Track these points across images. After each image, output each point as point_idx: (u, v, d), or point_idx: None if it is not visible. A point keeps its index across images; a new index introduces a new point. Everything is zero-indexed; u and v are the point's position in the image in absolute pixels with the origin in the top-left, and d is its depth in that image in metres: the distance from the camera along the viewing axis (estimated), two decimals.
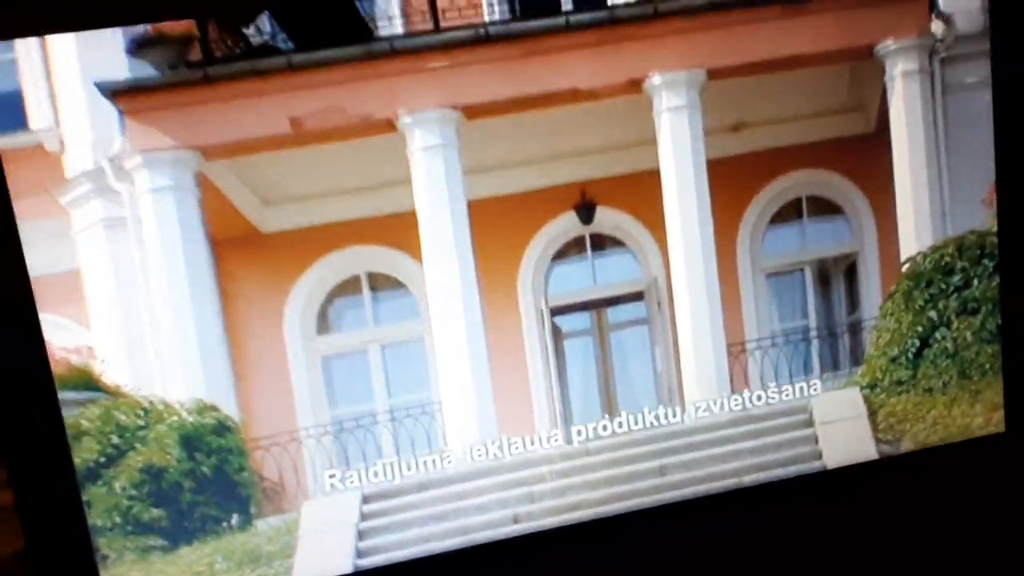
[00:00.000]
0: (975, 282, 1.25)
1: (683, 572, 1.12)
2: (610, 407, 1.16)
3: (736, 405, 1.20)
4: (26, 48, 1.01)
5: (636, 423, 1.17)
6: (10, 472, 0.82)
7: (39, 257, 1.04)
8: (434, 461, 1.12)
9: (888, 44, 1.22)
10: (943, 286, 1.23)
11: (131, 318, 1.03)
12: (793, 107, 1.23)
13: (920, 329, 1.21)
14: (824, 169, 1.27)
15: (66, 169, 1.04)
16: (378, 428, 1.14)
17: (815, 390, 1.23)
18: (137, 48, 1.04)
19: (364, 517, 1.14)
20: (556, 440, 1.12)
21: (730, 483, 1.20)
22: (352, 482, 1.06)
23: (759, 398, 1.23)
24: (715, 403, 1.18)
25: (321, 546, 1.11)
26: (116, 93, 1.03)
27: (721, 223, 1.23)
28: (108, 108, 1.04)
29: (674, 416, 1.16)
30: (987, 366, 1.24)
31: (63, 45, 1.01)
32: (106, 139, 1.04)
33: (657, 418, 1.15)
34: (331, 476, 1.06)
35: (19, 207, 1.02)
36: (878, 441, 1.25)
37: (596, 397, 1.19)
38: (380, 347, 1.16)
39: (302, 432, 1.12)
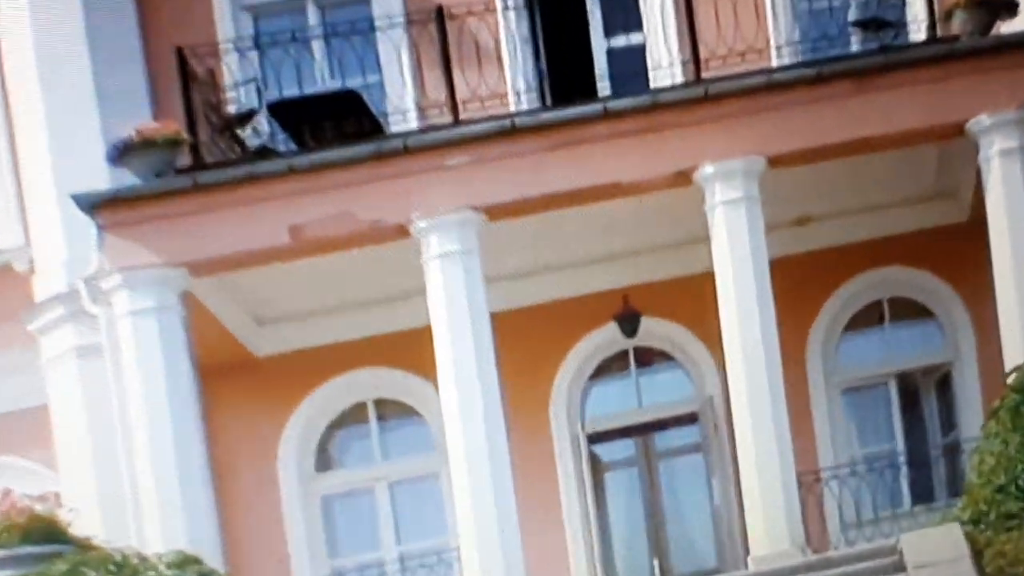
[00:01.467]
0: None
1: None
2: (659, 552, 1.02)
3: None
4: None
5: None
6: None
7: (2, 391, 0.96)
8: None
9: (982, 119, 1.16)
10: None
11: (104, 460, 0.99)
12: (869, 196, 1.21)
13: None
14: (908, 266, 1.23)
15: (36, 291, 0.99)
16: None
17: (906, 527, 1.12)
18: (119, 155, 0.99)
19: None
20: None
21: None
22: None
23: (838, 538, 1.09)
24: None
25: None
26: (95, 206, 0.97)
27: (787, 331, 1.16)
28: (85, 223, 0.97)
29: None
30: None
31: (36, 153, 0.95)
32: (81, 257, 0.99)
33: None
34: None
35: None
36: None
37: (643, 541, 1.05)
38: (388, 485, 1.11)
39: None
